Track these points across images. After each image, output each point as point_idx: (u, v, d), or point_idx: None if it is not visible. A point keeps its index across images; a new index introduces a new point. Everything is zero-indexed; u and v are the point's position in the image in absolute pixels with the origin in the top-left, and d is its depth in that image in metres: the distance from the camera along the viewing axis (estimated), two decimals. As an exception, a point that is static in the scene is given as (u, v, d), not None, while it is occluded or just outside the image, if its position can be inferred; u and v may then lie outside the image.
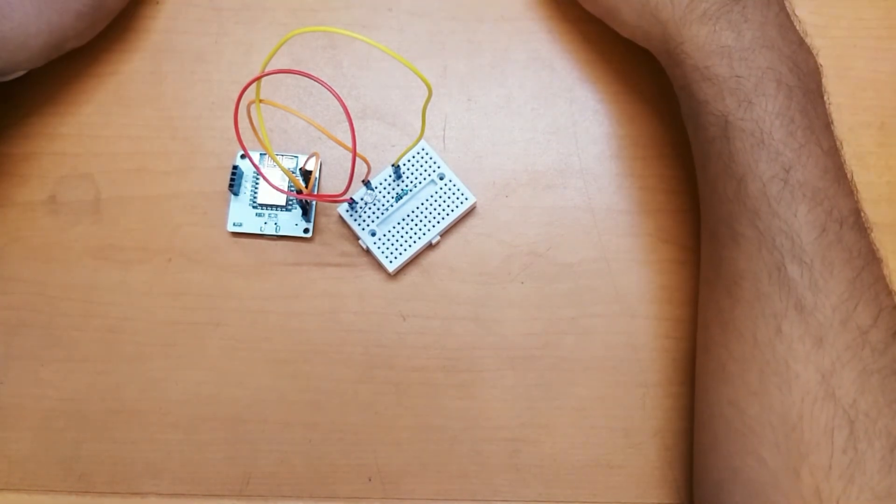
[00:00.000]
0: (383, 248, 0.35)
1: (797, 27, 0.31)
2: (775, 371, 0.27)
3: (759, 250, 0.28)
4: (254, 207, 0.36)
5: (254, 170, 0.36)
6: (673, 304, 0.36)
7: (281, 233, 0.35)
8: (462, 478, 0.34)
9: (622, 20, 0.33)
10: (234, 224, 0.36)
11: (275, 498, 0.34)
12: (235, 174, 0.35)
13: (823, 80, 0.38)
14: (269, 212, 0.36)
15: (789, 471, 0.26)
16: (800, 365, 0.27)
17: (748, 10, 0.30)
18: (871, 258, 0.28)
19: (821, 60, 0.39)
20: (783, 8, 0.31)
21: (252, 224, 0.36)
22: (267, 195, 0.35)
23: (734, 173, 0.29)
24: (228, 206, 0.36)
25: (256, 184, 0.36)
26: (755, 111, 0.29)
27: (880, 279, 0.28)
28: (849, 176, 0.29)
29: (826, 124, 0.30)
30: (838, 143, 0.30)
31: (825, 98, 0.30)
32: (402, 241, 0.35)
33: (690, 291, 0.36)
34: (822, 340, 0.27)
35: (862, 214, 0.29)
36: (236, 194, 0.36)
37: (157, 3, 0.38)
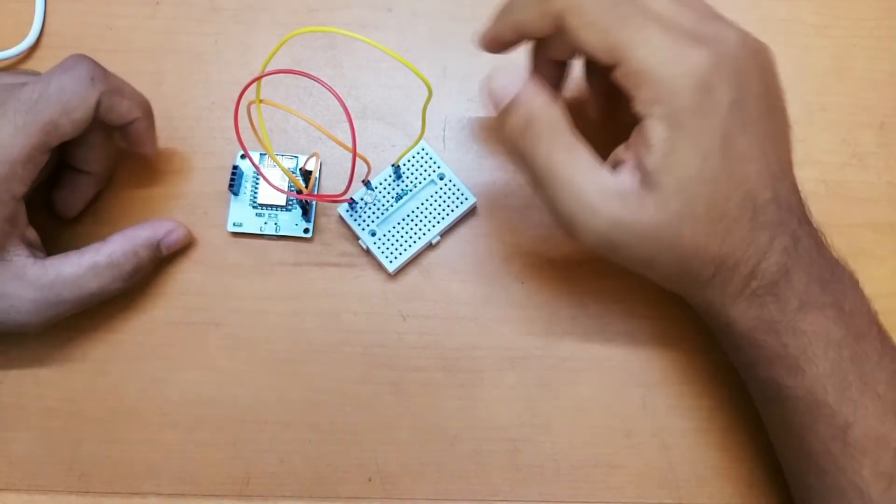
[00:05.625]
0: (383, 248, 0.35)
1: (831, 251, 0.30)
2: None
3: (828, 502, 0.28)
4: (254, 207, 0.36)
5: (254, 170, 0.36)
6: (673, 304, 0.36)
7: (281, 233, 0.35)
8: (462, 478, 0.34)
9: (658, 278, 0.30)
10: (234, 224, 0.36)
11: (275, 498, 0.34)
12: (235, 174, 0.35)
13: (823, 81, 0.38)
14: (269, 212, 0.36)
15: None
16: None
17: (794, 277, 0.28)
18: None
19: (821, 60, 0.39)
20: (824, 248, 0.29)
21: (252, 224, 0.36)
22: (267, 195, 0.35)
23: (793, 431, 0.29)
24: (228, 206, 0.36)
25: (256, 184, 0.36)
26: (805, 378, 0.28)
27: None
28: None
29: (880, 350, 0.29)
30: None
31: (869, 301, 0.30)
32: (402, 241, 0.35)
33: (690, 291, 0.36)
34: None
35: None
36: (236, 194, 0.36)
37: (157, 3, 0.38)
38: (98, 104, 0.31)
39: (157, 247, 0.34)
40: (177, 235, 0.34)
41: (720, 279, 0.28)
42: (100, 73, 0.31)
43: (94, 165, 0.34)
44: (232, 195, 0.36)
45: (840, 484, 0.28)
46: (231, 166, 0.36)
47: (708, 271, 0.28)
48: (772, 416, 0.31)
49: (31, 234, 0.32)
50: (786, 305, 0.28)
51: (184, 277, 0.35)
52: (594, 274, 0.36)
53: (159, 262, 0.35)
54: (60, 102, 0.30)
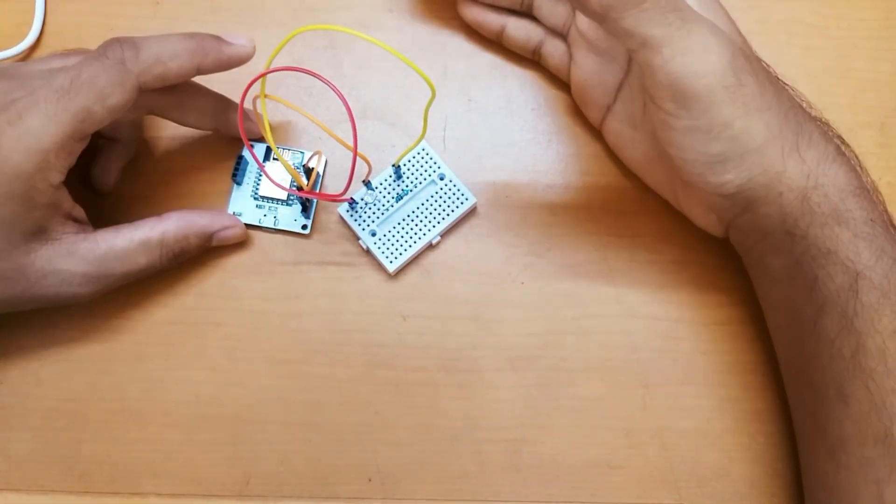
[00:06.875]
0: (383, 248, 0.35)
1: None
2: None
3: (868, 414, 0.27)
4: (255, 199, 0.36)
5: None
6: (673, 305, 0.36)
7: (279, 227, 0.35)
8: (462, 478, 0.34)
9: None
10: (233, 213, 0.36)
11: (275, 498, 0.34)
12: (240, 164, 0.35)
13: (823, 81, 0.38)
14: (270, 204, 0.36)
15: None
16: None
17: (825, 127, 0.29)
18: None
19: (821, 61, 0.39)
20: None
21: (251, 215, 0.36)
22: (269, 188, 0.35)
23: (855, 330, 0.27)
24: (230, 194, 0.36)
25: (259, 175, 0.36)
26: (885, 260, 0.27)
27: None
28: None
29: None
30: None
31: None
32: (402, 241, 0.35)
33: (690, 292, 0.36)
34: None
35: None
36: (239, 184, 0.36)
37: (158, 2, 0.38)
38: (141, 85, 0.30)
39: (209, 238, 0.34)
40: (232, 233, 0.35)
41: (802, 140, 0.28)
42: (131, 53, 0.30)
43: (120, 131, 0.34)
44: (235, 184, 0.36)
45: (884, 389, 0.27)
46: (233, 162, 0.36)
47: (787, 131, 0.28)
48: (835, 321, 0.28)
49: (78, 212, 0.32)
50: (858, 173, 0.28)
51: (184, 277, 0.35)
52: (594, 275, 0.36)
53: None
54: (94, 90, 0.29)
